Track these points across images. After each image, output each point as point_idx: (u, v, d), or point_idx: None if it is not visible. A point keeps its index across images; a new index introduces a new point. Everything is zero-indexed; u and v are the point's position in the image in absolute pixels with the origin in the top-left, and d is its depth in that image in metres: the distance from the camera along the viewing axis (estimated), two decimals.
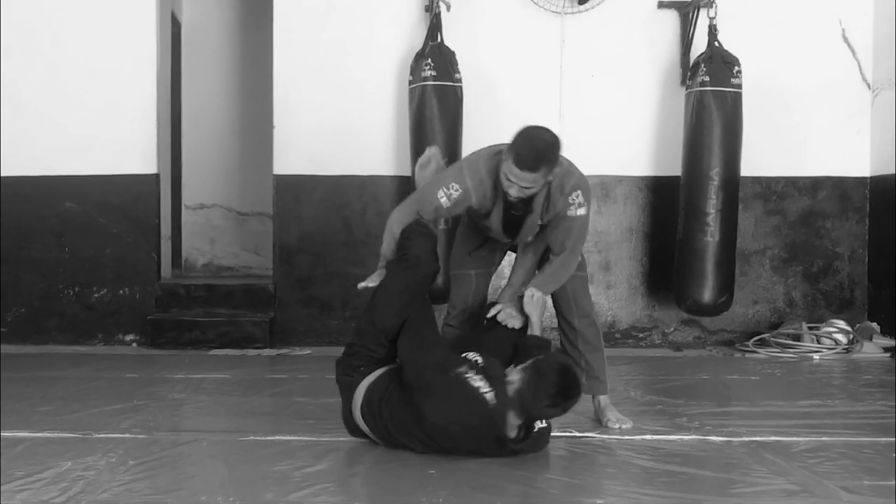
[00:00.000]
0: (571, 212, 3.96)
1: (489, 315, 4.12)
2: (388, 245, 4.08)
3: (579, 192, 3.95)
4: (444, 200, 4.00)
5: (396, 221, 4.11)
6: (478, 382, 3.57)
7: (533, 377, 3.52)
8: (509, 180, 3.80)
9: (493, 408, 3.52)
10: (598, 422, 4.29)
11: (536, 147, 3.80)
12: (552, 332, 6.35)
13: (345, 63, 7.04)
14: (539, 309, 4.03)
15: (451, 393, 3.59)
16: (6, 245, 7.10)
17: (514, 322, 4.05)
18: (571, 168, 4.01)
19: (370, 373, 3.84)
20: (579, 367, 4.16)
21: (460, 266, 4.43)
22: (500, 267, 4.57)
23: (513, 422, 3.56)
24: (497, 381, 3.58)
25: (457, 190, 3.99)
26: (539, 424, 3.66)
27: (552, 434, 3.87)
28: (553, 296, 4.26)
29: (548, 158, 3.79)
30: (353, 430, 3.90)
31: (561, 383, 3.50)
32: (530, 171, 3.74)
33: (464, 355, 3.72)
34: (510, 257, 4.49)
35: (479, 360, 3.69)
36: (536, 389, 3.48)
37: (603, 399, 4.33)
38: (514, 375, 3.58)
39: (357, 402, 3.80)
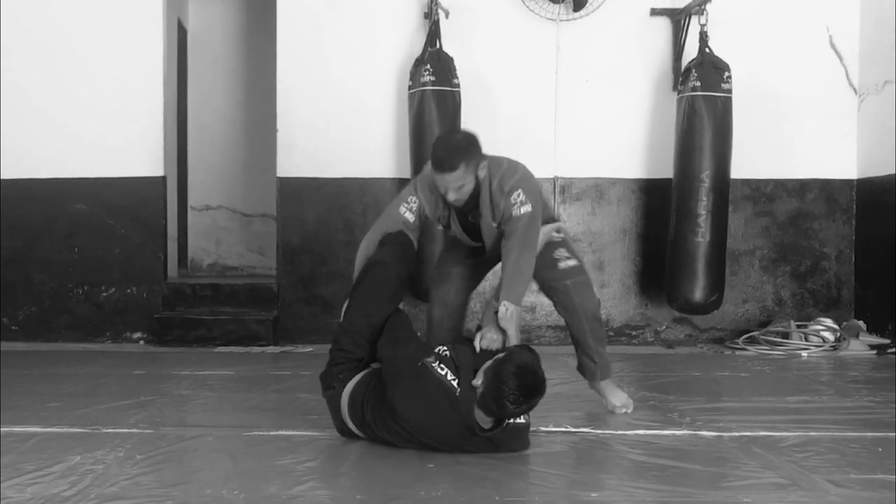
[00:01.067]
0: (515, 211, 3.93)
1: (474, 345, 3.93)
2: (358, 267, 4.13)
3: (519, 190, 3.92)
4: (407, 215, 4.09)
5: (364, 247, 4.18)
6: (443, 370, 3.57)
7: (493, 380, 3.43)
8: (438, 186, 3.89)
9: (460, 396, 3.50)
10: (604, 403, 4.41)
11: (448, 146, 3.88)
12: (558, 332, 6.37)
13: (346, 68, 7.04)
14: (514, 322, 3.93)
15: (418, 382, 3.58)
16: (18, 245, 7.11)
17: (494, 344, 3.89)
18: (511, 167, 4.00)
19: (350, 379, 3.83)
20: (588, 358, 4.31)
21: (441, 265, 4.50)
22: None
23: (482, 417, 3.52)
24: (464, 371, 3.55)
25: (414, 202, 4.10)
26: (514, 420, 3.60)
27: (548, 430, 3.88)
28: (561, 300, 4.30)
29: (461, 154, 3.83)
30: (351, 437, 3.88)
31: (521, 384, 3.39)
32: (450, 171, 3.80)
33: (434, 349, 3.71)
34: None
35: (447, 351, 3.66)
36: (498, 392, 3.39)
37: (605, 382, 4.42)
38: (478, 379, 3.50)
39: (344, 410, 3.80)
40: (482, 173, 3.90)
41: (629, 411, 4.37)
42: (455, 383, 3.54)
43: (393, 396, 3.59)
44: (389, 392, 3.60)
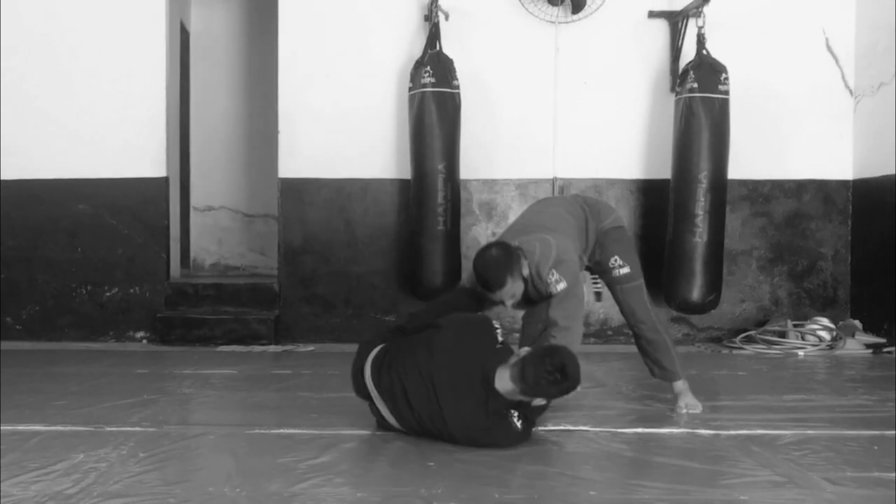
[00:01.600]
0: (553, 289, 4.12)
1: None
2: None
3: (554, 271, 4.10)
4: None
5: None
6: (497, 328, 3.86)
7: (541, 351, 3.64)
8: (493, 299, 4.21)
9: (501, 347, 3.77)
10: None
11: (489, 266, 4.08)
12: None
13: (347, 70, 7.04)
14: None
15: (469, 326, 3.90)
16: (21, 245, 7.11)
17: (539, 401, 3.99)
18: (544, 253, 4.14)
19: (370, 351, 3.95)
20: (652, 363, 4.56)
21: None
22: None
23: (506, 381, 3.59)
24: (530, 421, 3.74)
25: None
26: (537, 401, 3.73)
27: (547, 428, 3.89)
28: (619, 305, 4.61)
29: (504, 269, 4.05)
30: (359, 388, 3.95)
31: (562, 365, 3.51)
32: (500, 287, 4.06)
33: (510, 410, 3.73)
34: None
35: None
36: (541, 361, 3.53)
37: (677, 385, 4.53)
38: (524, 350, 3.79)
39: (367, 373, 3.88)
40: (525, 272, 4.11)
41: (693, 412, 4.42)
42: (500, 337, 3.79)
43: (438, 333, 3.80)
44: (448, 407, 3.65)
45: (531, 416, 3.75)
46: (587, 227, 4.43)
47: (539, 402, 3.70)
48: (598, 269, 4.57)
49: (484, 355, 3.66)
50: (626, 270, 4.47)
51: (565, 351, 3.62)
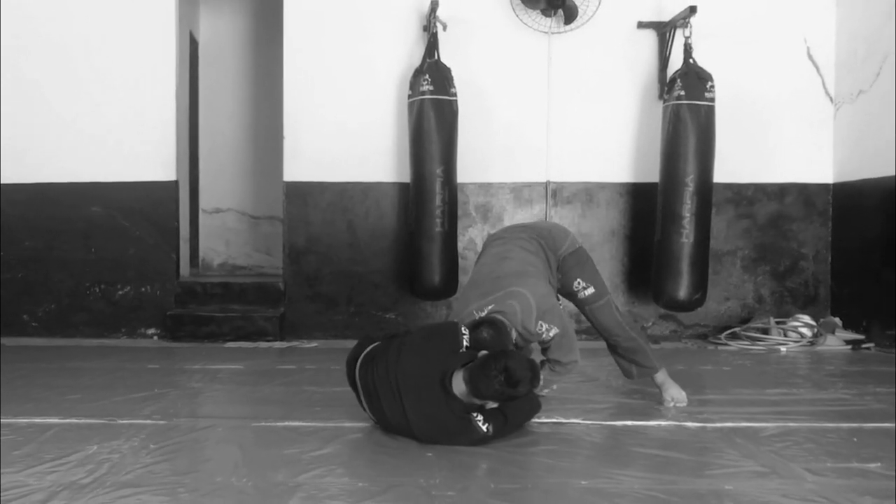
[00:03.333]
0: (546, 336, 4.05)
1: None
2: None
3: (542, 323, 4.00)
4: None
5: None
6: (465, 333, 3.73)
7: (490, 357, 3.54)
8: None
9: (463, 353, 3.64)
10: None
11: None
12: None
13: (349, 78, 7.04)
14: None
15: (435, 333, 3.86)
16: (38, 246, 7.12)
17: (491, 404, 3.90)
18: (524, 308, 3.99)
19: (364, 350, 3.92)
20: (622, 360, 4.55)
21: None
22: None
23: (460, 383, 3.54)
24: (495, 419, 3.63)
25: None
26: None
27: (540, 421, 3.90)
28: (591, 323, 4.58)
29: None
30: (350, 376, 3.92)
31: (510, 370, 3.46)
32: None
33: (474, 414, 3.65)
34: None
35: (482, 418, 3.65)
36: (487, 367, 3.48)
37: (658, 377, 4.52)
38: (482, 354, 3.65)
39: (364, 353, 3.88)
40: (514, 335, 3.96)
41: (680, 405, 4.42)
42: (466, 343, 3.66)
43: (408, 337, 3.78)
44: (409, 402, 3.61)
45: (512, 419, 3.69)
46: (548, 260, 4.37)
47: (491, 405, 3.60)
48: (563, 292, 4.52)
49: (445, 359, 3.60)
50: (590, 291, 4.42)
51: (513, 355, 3.55)
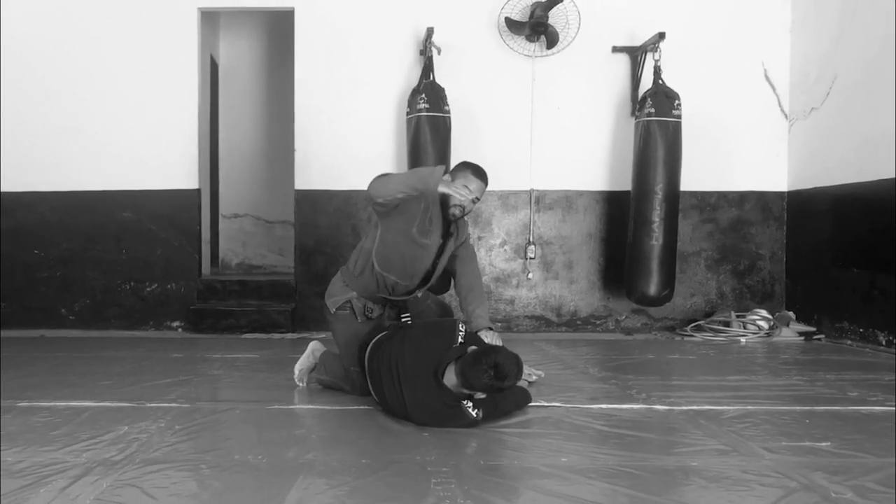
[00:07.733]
0: (464, 237, 4.28)
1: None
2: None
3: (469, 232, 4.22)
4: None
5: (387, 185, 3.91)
6: (462, 330, 3.71)
7: (480, 351, 3.52)
8: (470, 190, 4.03)
9: (457, 347, 3.62)
10: None
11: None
12: (533, 320, 6.32)
13: (354, 97, 7.04)
14: (499, 339, 4.07)
15: (435, 324, 3.90)
16: (75, 247, 7.12)
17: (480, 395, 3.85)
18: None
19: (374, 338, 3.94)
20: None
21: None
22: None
23: (452, 376, 3.53)
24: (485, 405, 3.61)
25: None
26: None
27: (527, 406, 3.90)
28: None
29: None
30: (360, 359, 3.96)
31: (499, 364, 3.44)
32: (487, 183, 4.14)
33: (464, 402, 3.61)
34: None
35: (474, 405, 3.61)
36: (478, 361, 3.45)
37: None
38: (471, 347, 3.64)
39: (374, 340, 3.90)
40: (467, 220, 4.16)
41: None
42: (461, 339, 3.65)
43: (411, 329, 3.80)
44: (407, 391, 3.60)
45: (501, 405, 3.69)
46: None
47: (480, 395, 3.58)
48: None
49: (440, 352, 3.60)
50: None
51: (502, 350, 3.55)
